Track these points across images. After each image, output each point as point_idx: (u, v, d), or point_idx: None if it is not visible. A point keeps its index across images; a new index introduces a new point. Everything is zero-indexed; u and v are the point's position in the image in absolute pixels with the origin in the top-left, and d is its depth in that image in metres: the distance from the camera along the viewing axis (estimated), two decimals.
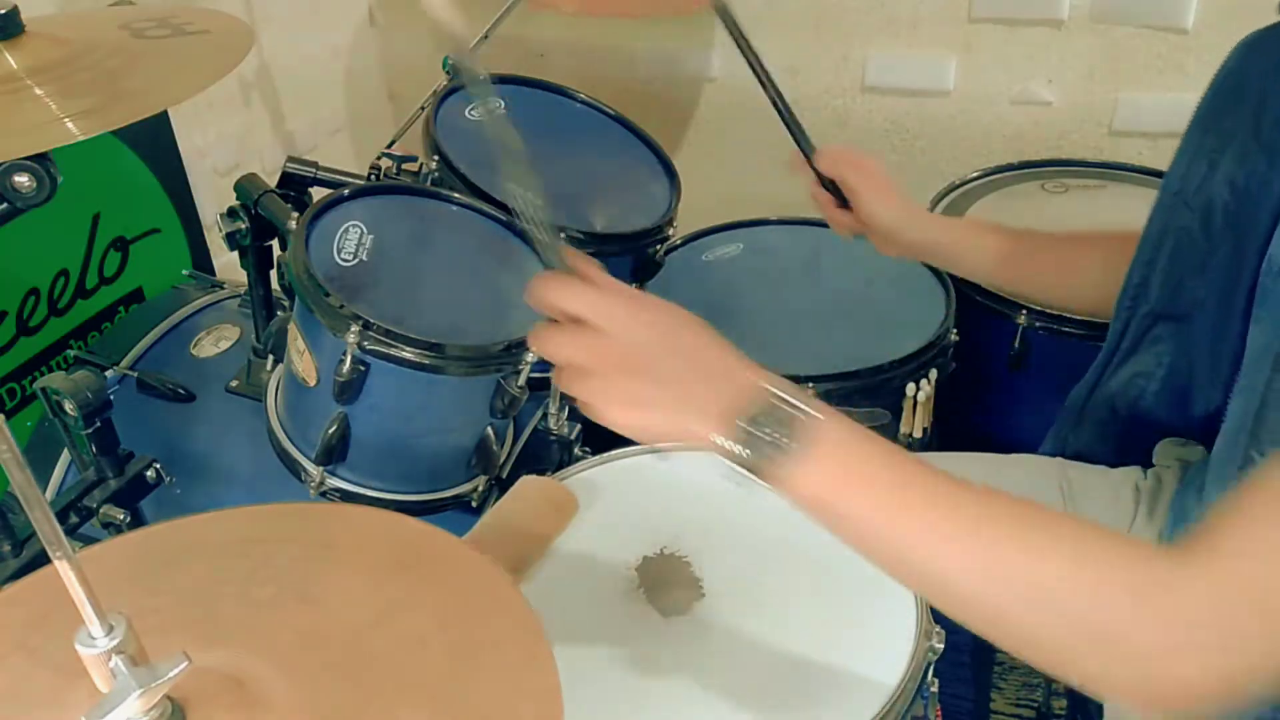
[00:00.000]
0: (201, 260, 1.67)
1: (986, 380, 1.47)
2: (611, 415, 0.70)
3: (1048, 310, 1.38)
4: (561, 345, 0.72)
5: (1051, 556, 0.63)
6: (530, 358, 1.06)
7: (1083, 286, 1.13)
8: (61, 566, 0.46)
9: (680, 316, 0.73)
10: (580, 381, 0.71)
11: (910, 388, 1.32)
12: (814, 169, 1.18)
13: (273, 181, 1.25)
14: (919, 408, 1.32)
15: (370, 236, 1.10)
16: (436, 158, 1.24)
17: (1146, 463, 1.07)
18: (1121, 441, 1.07)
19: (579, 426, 1.27)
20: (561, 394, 1.25)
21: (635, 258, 1.35)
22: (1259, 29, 0.91)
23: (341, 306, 1.00)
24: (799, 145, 1.19)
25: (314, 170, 1.26)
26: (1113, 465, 1.09)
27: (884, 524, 0.67)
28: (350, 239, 1.09)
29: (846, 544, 0.69)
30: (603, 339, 0.70)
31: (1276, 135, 0.87)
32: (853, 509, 0.67)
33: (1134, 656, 0.61)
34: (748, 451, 0.66)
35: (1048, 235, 1.16)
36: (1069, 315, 1.37)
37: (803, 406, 0.67)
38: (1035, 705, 1.64)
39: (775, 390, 0.67)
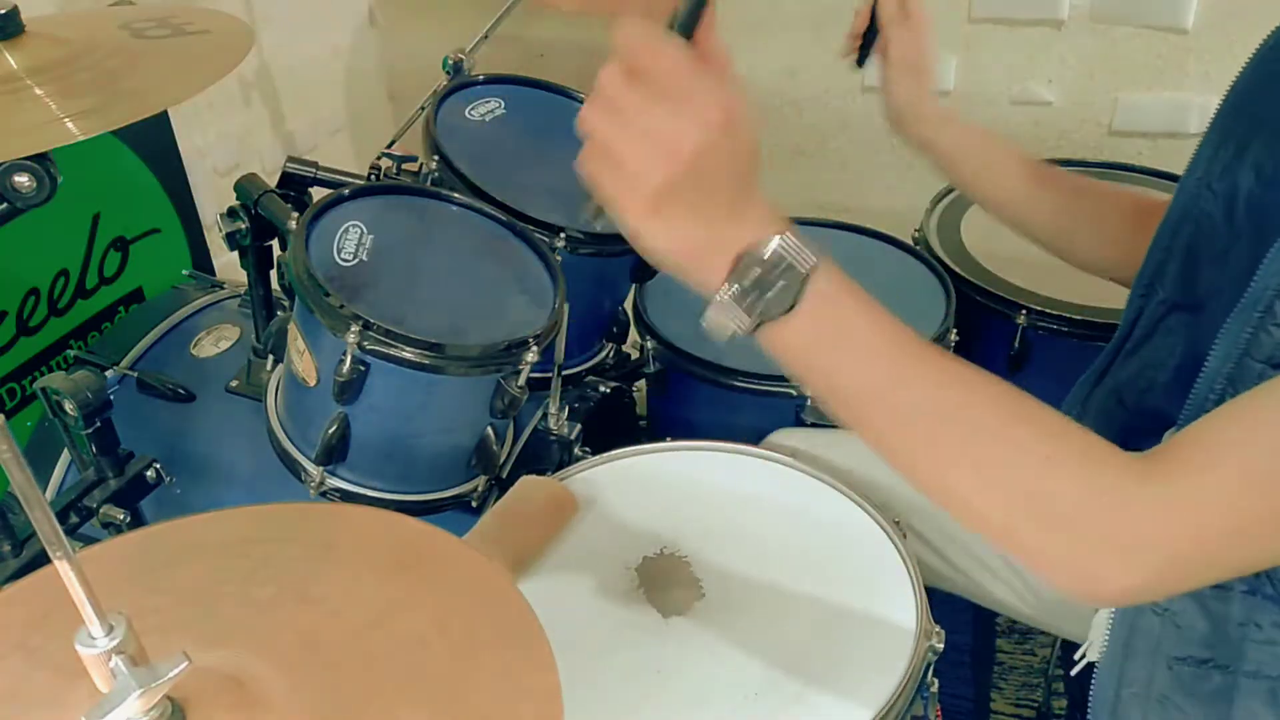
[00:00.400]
0: (201, 260, 1.67)
1: None
2: (633, 213, 0.65)
3: (1048, 309, 1.38)
4: (610, 113, 0.64)
5: (1027, 435, 0.66)
6: (530, 358, 1.06)
7: (1104, 240, 1.11)
8: (61, 566, 0.46)
9: (746, 122, 0.66)
10: (614, 165, 0.64)
11: None
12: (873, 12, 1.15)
13: (273, 181, 1.25)
14: None
15: (370, 236, 1.10)
16: (436, 158, 1.24)
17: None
18: (1126, 434, 1.06)
19: (579, 426, 1.27)
20: (562, 394, 1.25)
21: (635, 257, 1.34)
22: None
23: (341, 306, 1.00)
24: None
25: (314, 170, 1.26)
26: None
27: (866, 390, 0.68)
28: (350, 239, 1.09)
29: (819, 396, 0.69)
30: (665, 122, 0.63)
31: None
32: (834, 370, 0.68)
33: (1077, 544, 0.65)
34: (746, 298, 0.65)
35: (1072, 174, 1.13)
36: (1069, 315, 1.37)
37: (807, 257, 0.65)
38: (1035, 705, 1.64)
39: (788, 235, 0.65)
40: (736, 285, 0.65)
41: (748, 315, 0.65)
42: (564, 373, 1.24)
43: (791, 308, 0.65)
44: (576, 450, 1.26)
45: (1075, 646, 1.07)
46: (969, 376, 0.68)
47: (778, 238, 0.65)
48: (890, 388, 0.67)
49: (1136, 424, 1.04)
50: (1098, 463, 0.66)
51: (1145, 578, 0.65)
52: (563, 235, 1.22)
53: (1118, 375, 1.03)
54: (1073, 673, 0.95)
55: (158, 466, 1.19)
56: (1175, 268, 0.96)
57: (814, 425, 1.31)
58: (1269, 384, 0.67)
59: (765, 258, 0.64)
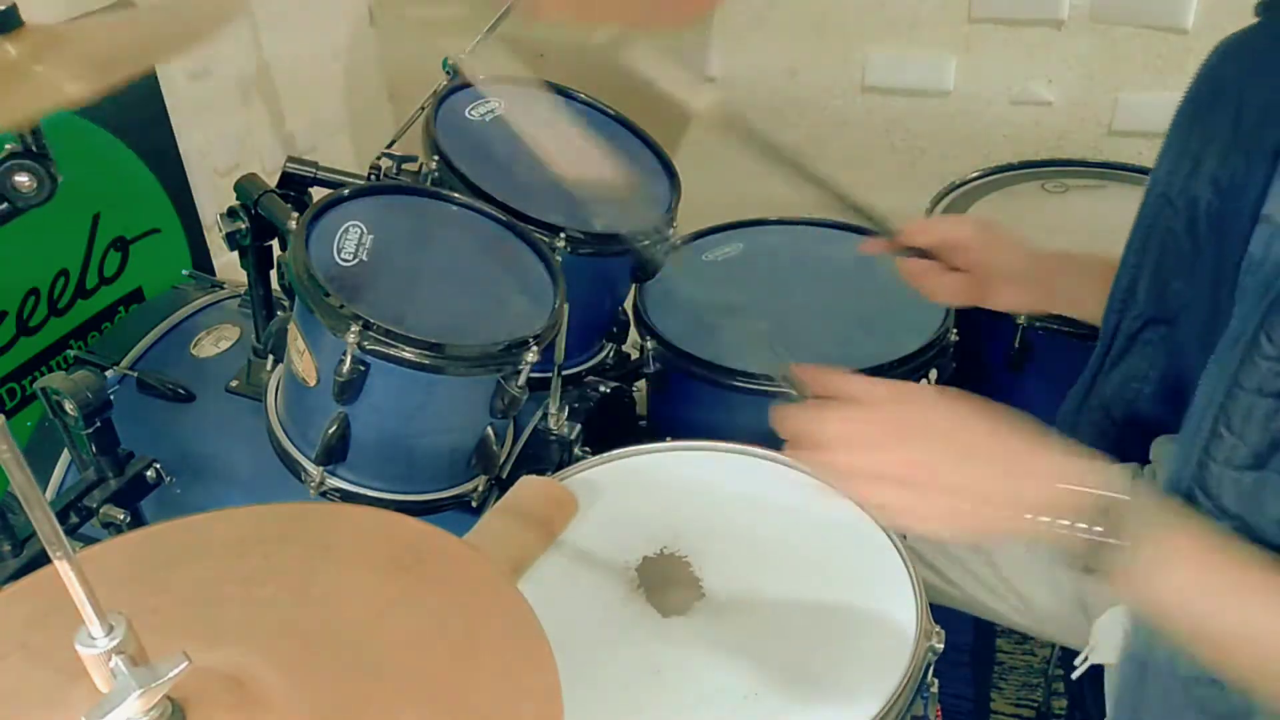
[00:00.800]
0: (201, 260, 1.67)
1: (986, 380, 1.47)
2: (930, 529, 0.71)
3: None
4: (854, 472, 0.71)
5: None
6: (530, 358, 1.06)
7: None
8: (61, 566, 0.46)
9: (964, 407, 0.73)
10: (889, 499, 0.71)
11: None
12: (905, 247, 1.14)
13: (273, 181, 1.25)
14: None
15: (370, 236, 1.10)
16: (436, 158, 1.24)
17: (1145, 459, 1.07)
18: (1120, 444, 1.08)
19: (579, 426, 1.27)
20: (562, 394, 1.26)
21: (635, 258, 1.35)
22: (1237, 31, 0.91)
23: (341, 306, 1.00)
24: (879, 232, 1.16)
25: (314, 170, 1.25)
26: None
27: (1240, 629, 0.68)
28: (350, 239, 1.09)
29: (1188, 641, 0.70)
30: (887, 455, 0.70)
31: (1255, 135, 0.87)
32: (1209, 616, 0.68)
33: None
34: (1083, 545, 0.67)
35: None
36: (1068, 315, 1.37)
37: (1134, 507, 0.68)
38: (1035, 705, 1.64)
39: (1101, 492, 0.68)
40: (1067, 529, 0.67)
41: (1088, 562, 0.68)
42: (564, 373, 1.24)
43: (1130, 554, 0.67)
44: (576, 450, 1.26)
45: (1075, 649, 1.06)
46: None
47: (1084, 494, 0.68)
48: (1244, 633, 0.68)
49: (1128, 436, 1.06)
50: None
51: None
52: (563, 235, 1.22)
53: (1103, 390, 1.05)
54: (1074, 676, 0.95)
55: (158, 466, 1.19)
56: (1146, 283, 0.98)
57: None
58: None
59: (1080, 514, 0.67)
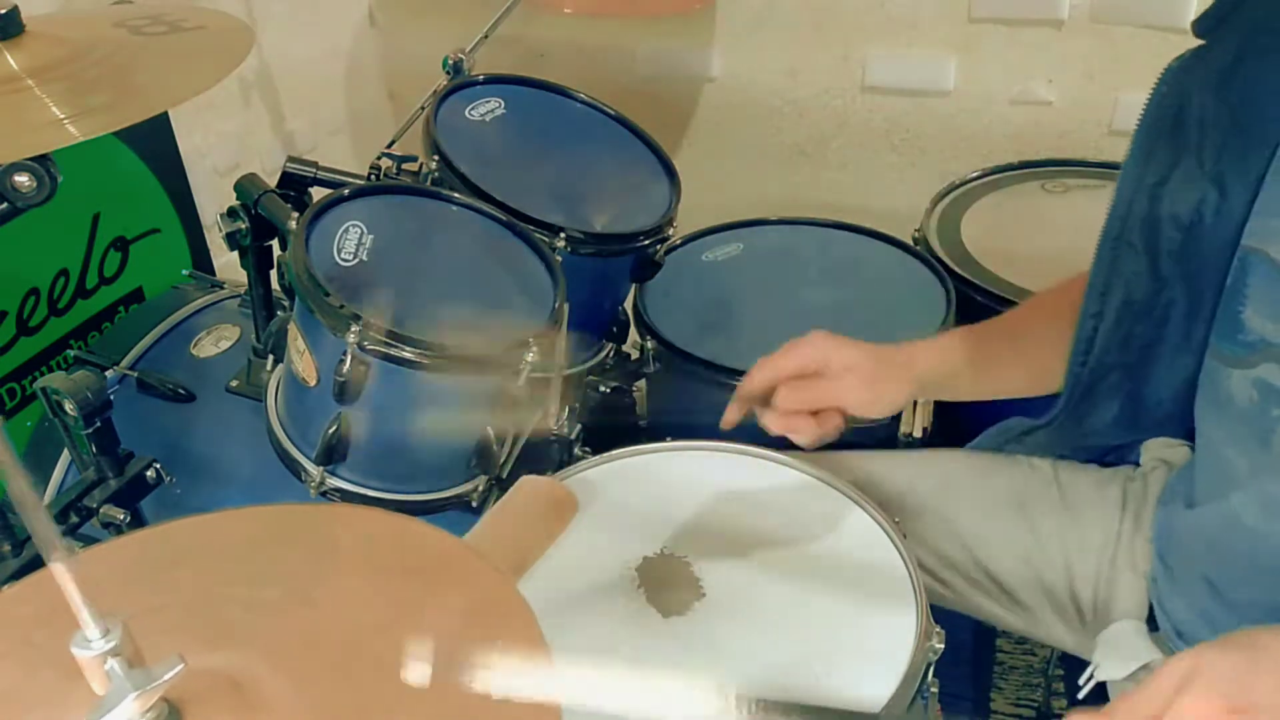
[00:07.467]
0: (201, 260, 1.67)
1: None
2: None
3: None
4: None
5: None
6: (530, 358, 1.06)
7: (1047, 364, 1.02)
8: (57, 569, 0.46)
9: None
10: None
11: None
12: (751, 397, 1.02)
13: (273, 181, 1.25)
14: (919, 407, 1.32)
15: (370, 236, 1.10)
16: (436, 158, 1.24)
17: (1136, 460, 1.07)
18: (1096, 451, 1.09)
19: (579, 426, 1.27)
20: (562, 394, 1.25)
21: (635, 258, 1.35)
22: (1184, 53, 0.89)
23: (341, 306, 1.00)
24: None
25: (314, 170, 1.25)
26: (1101, 464, 1.09)
27: None
28: (350, 239, 1.09)
29: None
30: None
31: (1223, 163, 0.84)
32: None
33: None
34: None
35: (995, 324, 1.05)
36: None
37: None
38: (1035, 705, 1.64)
39: None
40: None
41: None
42: (564, 373, 1.24)
43: None
44: (576, 450, 1.26)
45: (1075, 655, 1.06)
46: None
47: None
48: None
49: (1100, 449, 1.07)
50: None
51: None
52: (563, 235, 1.22)
53: (1064, 432, 1.04)
54: (1080, 696, 0.94)
55: (158, 466, 1.19)
56: (1107, 328, 0.95)
57: None
58: None
59: None
